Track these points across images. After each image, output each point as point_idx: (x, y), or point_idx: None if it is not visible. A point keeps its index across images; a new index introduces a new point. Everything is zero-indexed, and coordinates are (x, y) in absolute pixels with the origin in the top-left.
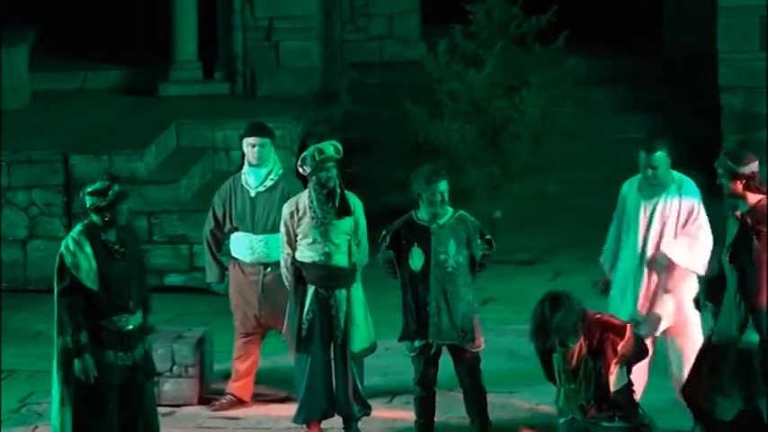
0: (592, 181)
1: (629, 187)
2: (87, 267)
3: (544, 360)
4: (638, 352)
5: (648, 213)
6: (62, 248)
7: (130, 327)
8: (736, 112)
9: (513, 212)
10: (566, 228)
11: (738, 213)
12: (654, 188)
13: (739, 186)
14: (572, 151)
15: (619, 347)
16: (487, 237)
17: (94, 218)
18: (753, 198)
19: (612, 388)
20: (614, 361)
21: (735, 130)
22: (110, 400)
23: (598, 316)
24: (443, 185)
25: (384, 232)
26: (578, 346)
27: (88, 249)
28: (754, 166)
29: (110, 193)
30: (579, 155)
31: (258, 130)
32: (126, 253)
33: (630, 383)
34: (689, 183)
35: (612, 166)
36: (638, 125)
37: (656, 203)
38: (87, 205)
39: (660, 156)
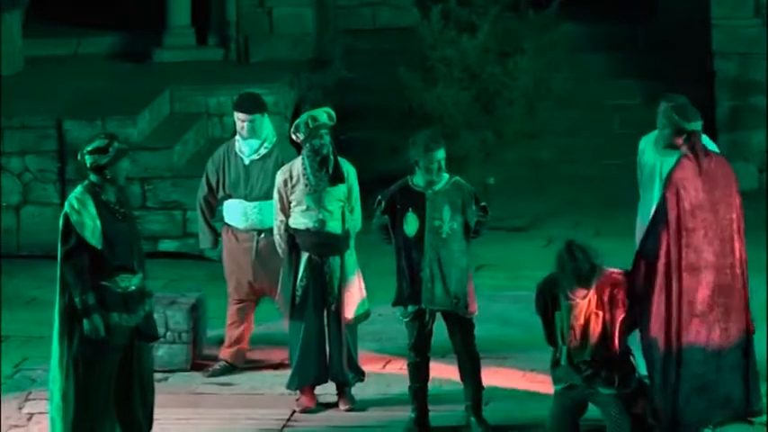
0: (585, 147)
1: (646, 143)
2: (92, 226)
3: (546, 319)
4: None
5: (664, 169)
6: (66, 208)
7: (133, 287)
8: (730, 78)
9: (507, 179)
10: (559, 194)
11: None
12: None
13: (678, 140)
14: (566, 117)
15: (628, 301)
16: (482, 203)
17: (94, 178)
18: (682, 153)
19: (617, 346)
20: (622, 317)
21: (729, 96)
22: (110, 363)
23: (607, 271)
24: (441, 153)
25: (379, 197)
26: (587, 301)
27: (91, 208)
28: (696, 125)
29: (110, 149)
30: (573, 121)
31: (247, 106)
32: (125, 213)
33: (630, 350)
34: (710, 144)
35: (606, 133)
36: (631, 91)
37: (672, 159)
38: (87, 165)
39: None
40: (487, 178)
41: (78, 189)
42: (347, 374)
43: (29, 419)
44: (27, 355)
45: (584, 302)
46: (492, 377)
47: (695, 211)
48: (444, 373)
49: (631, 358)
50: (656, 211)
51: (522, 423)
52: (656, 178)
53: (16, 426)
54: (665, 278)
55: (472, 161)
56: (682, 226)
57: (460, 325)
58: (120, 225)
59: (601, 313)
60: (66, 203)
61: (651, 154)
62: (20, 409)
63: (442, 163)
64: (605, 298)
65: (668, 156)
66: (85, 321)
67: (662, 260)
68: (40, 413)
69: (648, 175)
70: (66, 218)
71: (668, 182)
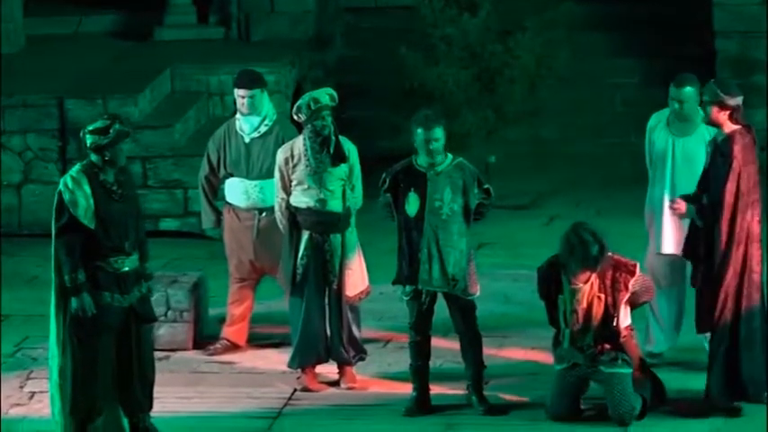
0: (587, 125)
1: (657, 121)
2: (85, 205)
3: (549, 302)
4: (645, 290)
5: (676, 149)
6: (60, 186)
7: (126, 268)
8: (732, 57)
9: (508, 157)
10: (561, 172)
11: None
12: (682, 124)
13: (722, 116)
14: (567, 96)
15: (630, 284)
16: (486, 186)
17: (93, 157)
18: (729, 128)
19: (621, 326)
20: (624, 299)
21: (730, 75)
22: (106, 342)
23: (610, 254)
24: (438, 133)
25: (384, 175)
26: (590, 284)
27: (86, 188)
28: (739, 100)
29: (111, 131)
30: (574, 99)
31: (246, 82)
32: (123, 194)
33: (633, 330)
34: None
35: (607, 111)
36: (632, 70)
37: (685, 140)
38: (87, 144)
39: (689, 91)
40: (489, 157)
41: (75, 168)
42: (348, 353)
43: (30, 398)
44: (28, 334)
45: (587, 286)
46: (493, 356)
47: (754, 183)
48: (446, 351)
49: (634, 338)
50: (718, 188)
51: (524, 401)
52: (669, 158)
53: (18, 404)
54: (743, 248)
55: (473, 140)
56: (750, 199)
57: (461, 306)
58: (115, 206)
59: (603, 297)
60: (61, 182)
61: (663, 132)
62: (21, 387)
63: (438, 144)
64: (608, 281)
65: (681, 135)
66: (73, 300)
67: (739, 231)
68: (42, 392)
69: (660, 153)
70: (60, 196)
71: (733, 157)
